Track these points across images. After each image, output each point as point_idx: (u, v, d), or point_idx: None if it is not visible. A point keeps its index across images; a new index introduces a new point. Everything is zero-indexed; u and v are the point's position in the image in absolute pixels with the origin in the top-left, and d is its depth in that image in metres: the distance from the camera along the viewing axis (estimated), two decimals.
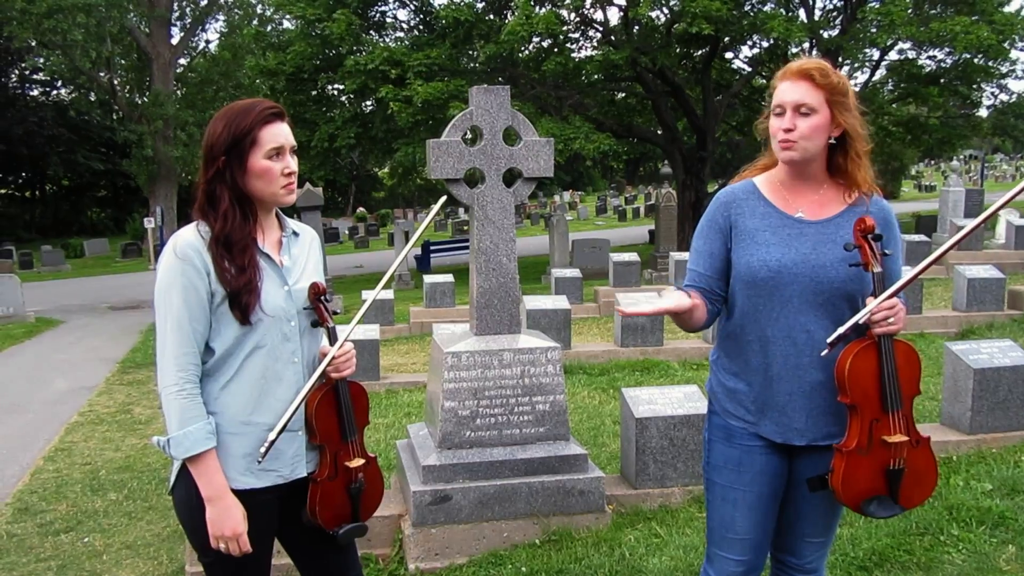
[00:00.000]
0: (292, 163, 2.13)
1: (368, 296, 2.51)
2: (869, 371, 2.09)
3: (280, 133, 2.10)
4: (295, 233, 2.28)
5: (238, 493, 2.11)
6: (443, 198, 2.52)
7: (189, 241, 2.06)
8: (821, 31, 19.31)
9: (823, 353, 2.07)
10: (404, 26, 21.86)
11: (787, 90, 2.15)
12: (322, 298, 2.23)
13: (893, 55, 20.85)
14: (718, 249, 2.28)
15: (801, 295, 2.16)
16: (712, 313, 2.31)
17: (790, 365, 2.18)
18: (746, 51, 22.04)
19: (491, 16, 19.08)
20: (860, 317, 2.05)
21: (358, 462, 2.27)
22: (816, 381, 2.17)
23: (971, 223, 2.07)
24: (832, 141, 2.18)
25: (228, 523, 2.06)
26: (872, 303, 2.04)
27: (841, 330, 2.04)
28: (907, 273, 2.16)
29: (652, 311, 2.10)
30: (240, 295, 2.05)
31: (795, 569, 2.38)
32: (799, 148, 2.15)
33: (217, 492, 2.06)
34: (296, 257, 2.24)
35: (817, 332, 2.15)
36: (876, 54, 20.46)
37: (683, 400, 4.45)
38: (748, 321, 2.23)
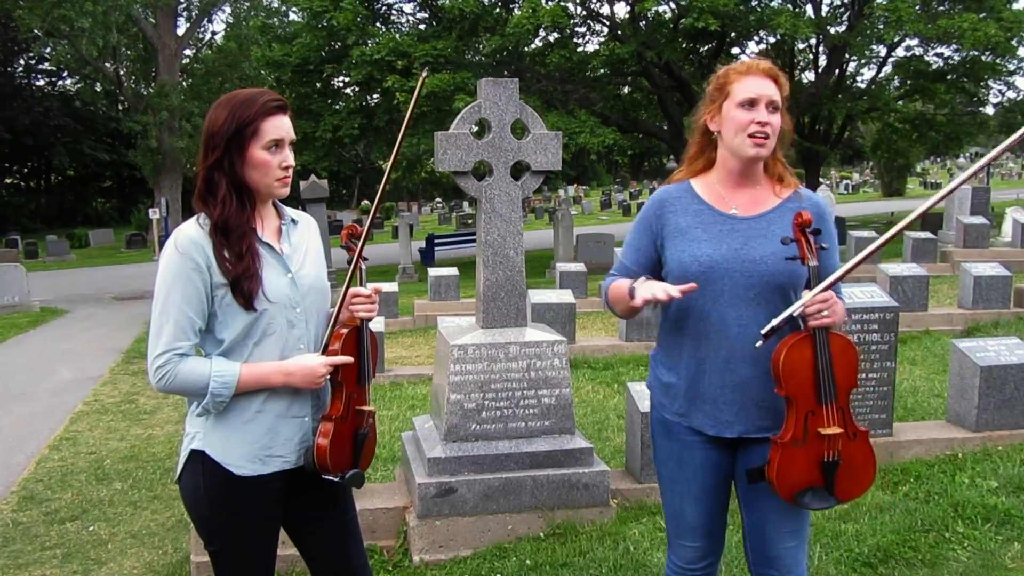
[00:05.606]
0: (290, 157, 2.14)
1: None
2: (804, 363, 2.10)
3: (281, 126, 2.11)
4: (293, 220, 2.29)
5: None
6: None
7: (190, 235, 2.06)
8: (828, 27, 19.26)
9: (757, 344, 2.09)
10: (410, 19, 21.84)
11: (759, 85, 2.16)
12: (353, 240, 2.32)
13: (900, 52, 20.84)
14: (645, 245, 2.35)
15: (733, 289, 2.18)
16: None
17: (721, 359, 2.20)
18: (753, 46, 22.00)
19: (498, 9, 19.04)
20: (794, 309, 2.07)
21: (369, 408, 2.30)
22: (748, 375, 2.19)
23: (884, 233, 2.07)
24: None
25: (308, 373, 2.11)
26: (807, 295, 2.06)
27: (775, 322, 2.06)
28: (842, 267, 2.15)
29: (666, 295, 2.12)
30: (240, 281, 2.05)
31: None
32: (768, 144, 2.17)
33: (282, 375, 2.11)
34: (296, 245, 2.25)
35: (750, 326, 2.16)
36: (883, 50, 20.43)
37: None
38: (682, 316, 2.27)
